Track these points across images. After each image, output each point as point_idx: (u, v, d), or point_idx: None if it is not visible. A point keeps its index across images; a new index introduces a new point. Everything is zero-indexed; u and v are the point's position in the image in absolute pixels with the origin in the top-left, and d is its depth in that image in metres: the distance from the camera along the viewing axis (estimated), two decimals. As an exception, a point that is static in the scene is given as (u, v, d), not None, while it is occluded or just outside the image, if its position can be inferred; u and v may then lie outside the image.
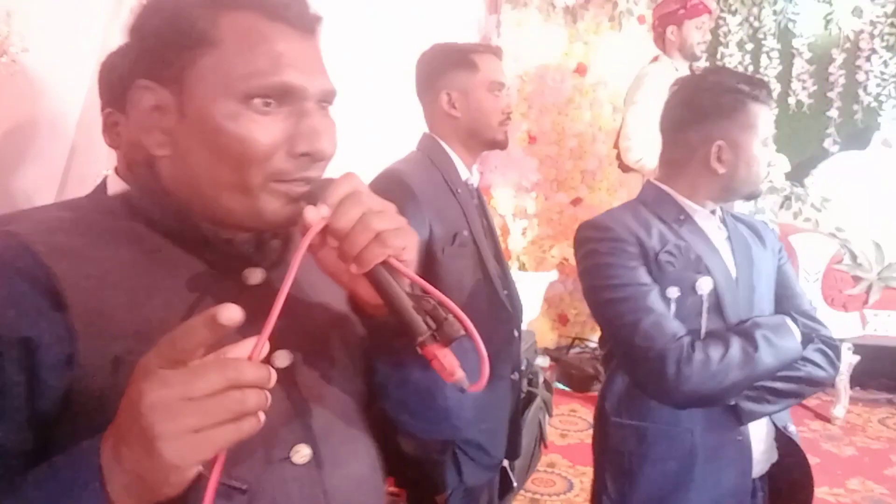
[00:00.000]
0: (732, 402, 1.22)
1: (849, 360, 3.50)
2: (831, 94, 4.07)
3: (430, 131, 1.67)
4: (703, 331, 1.23)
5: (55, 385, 0.57)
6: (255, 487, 0.62)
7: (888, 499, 2.71)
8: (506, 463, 1.73)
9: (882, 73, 3.97)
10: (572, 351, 4.14)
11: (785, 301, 1.35)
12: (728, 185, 1.30)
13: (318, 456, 0.67)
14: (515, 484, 1.90)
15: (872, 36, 3.98)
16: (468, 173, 1.66)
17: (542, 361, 3.74)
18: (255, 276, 0.68)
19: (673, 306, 1.23)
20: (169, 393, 0.47)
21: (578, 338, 4.18)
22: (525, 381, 2.44)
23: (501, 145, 1.68)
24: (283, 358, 0.67)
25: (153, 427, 0.47)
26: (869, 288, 3.44)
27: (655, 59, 3.23)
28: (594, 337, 3.97)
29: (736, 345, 1.18)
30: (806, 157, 3.94)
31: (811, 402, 3.76)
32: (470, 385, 0.60)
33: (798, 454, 1.34)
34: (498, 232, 1.88)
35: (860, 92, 4.03)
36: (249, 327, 0.52)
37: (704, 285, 1.25)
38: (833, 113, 4.07)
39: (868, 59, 4.00)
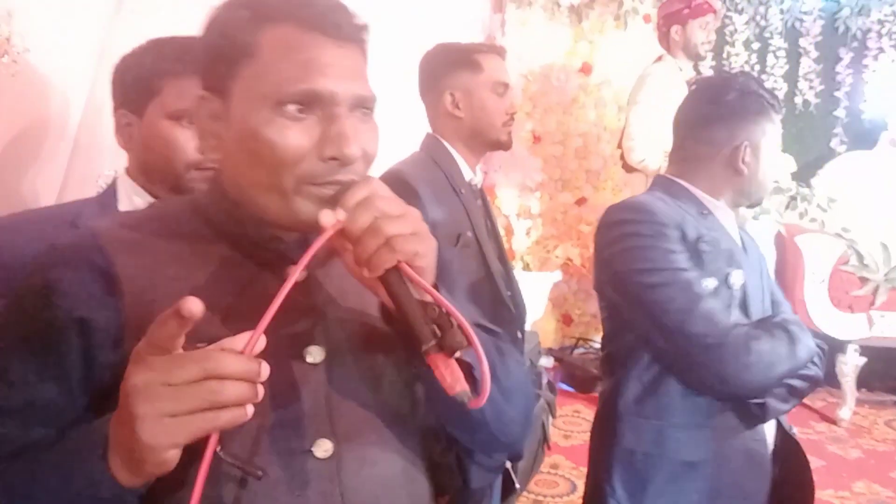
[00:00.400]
0: (762, 399, 1.21)
1: (855, 361, 3.48)
2: (838, 94, 4.04)
3: (434, 131, 1.67)
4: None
5: (105, 362, 0.63)
6: (272, 475, 0.64)
7: (894, 502, 2.69)
8: (508, 464, 1.72)
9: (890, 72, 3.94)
10: (576, 351, 4.13)
11: (775, 307, 1.36)
12: (746, 188, 1.30)
13: (340, 452, 0.68)
14: (518, 485, 1.89)
15: (880, 35, 3.95)
16: (472, 174, 1.65)
17: (546, 362, 3.73)
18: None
19: None
20: (150, 377, 0.52)
21: (582, 338, 4.17)
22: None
23: (505, 146, 1.67)
24: (315, 354, 0.69)
25: (134, 407, 0.52)
26: (876, 289, 3.42)
27: (659, 58, 3.21)
28: (598, 337, 3.96)
29: (782, 337, 1.18)
30: (812, 157, 3.92)
31: (816, 403, 3.74)
32: (471, 400, 0.59)
33: (801, 456, 1.32)
34: (502, 232, 1.87)
35: (867, 91, 4.00)
36: (287, 322, 0.62)
37: (737, 279, 1.23)
38: (840, 112, 4.04)
39: (875, 58, 3.97)
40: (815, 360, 1.28)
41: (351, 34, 0.69)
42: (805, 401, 4.01)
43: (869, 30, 3.96)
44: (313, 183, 0.66)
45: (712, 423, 1.21)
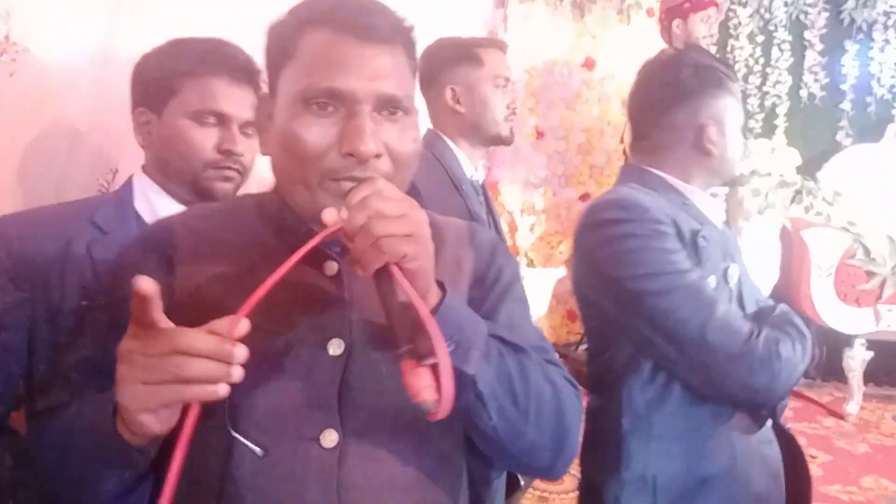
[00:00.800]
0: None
1: (862, 356, 3.46)
2: (844, 87, 4.01)
3: (434, 127, 1.66)
4: None
5: None
6: (274, 457, 0.68)
7: (903, 497, 2.68)
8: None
9: (896, 64, 3.91)
10: (581, 348, 4.12)
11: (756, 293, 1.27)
12: (716, 168, 1.21)
13: (345, 445, 0.69)
14: (523, 482, 1.89)
15: (886, 27, 3.92)
16: (473, 170, 1.64)
17: (551, 358, 3.71)
18: (332, 268, 0.74)
19: None
20: (132, 346, 0.57)
21: (587, 334, 4.15)
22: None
23: (506, 141, 1.66)
24: (336, 346, 0.71)
25: (118, 370, 0.58)
26: (883, 283, 3.39)
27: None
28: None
29: (794, 334, 1.09)
30: (818, 150, 3.90)
31: (824, 398, 3.72)
32: (430, 413, 0.59)
33: (797, 451, 1.25)
34: (506, 228, 1.87)
35: (873, 84, 3.97)
36: (314, 313, 0.70)
37: (734, 273, 1.14)
38: (846, 105, 4.02)
39: (882, 50, 3.94)
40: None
41: (385, 36, 0.71)
42: (812, 396, 4.02)
43: (874, 21, 3.93)
44: (334, 178, 0.69)
45: (724, 431, 1.11)
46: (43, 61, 1.17)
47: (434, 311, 0.65)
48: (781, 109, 4.11)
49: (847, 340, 3.49)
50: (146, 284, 0.55)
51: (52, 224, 1.02)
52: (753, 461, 1.12)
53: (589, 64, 4.13)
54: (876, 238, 3.39)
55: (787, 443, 1.24)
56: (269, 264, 0.70)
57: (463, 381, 0.67)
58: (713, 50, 4.00)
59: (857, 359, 3.46)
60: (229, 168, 1.06)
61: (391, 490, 0.71)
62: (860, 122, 3.99)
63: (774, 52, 4.09)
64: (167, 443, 0.63)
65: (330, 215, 0.63)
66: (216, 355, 0.56)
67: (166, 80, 1.05)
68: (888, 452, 3.07)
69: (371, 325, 0.72)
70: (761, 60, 4.11)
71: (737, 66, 4.15)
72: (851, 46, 3.99)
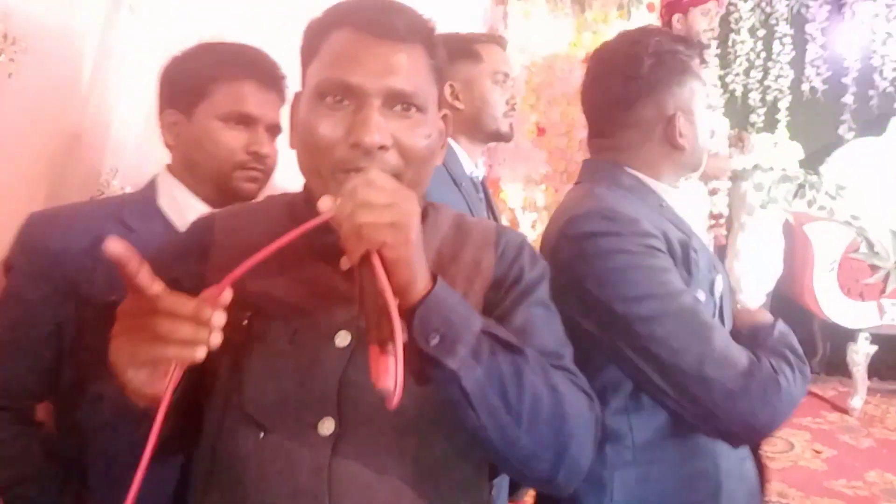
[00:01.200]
0: None
1: (866, 350, 3.45)
2: (846, 80, 4.00)
3: (435, 124, 1.65)
4: None
5: None
6: (273, 439, 0.71)
7: (908, 491, 2.67)
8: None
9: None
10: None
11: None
12: (687, 161, 1.11)
13: (341, 435, 0.71)
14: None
15: (888, 19, 3.91)
16: (473, 166, 1.64)
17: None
18: (346, 263, 0.75)
19: None
20: (125, 306, 0.60)
21: (590, 330, 4.15)
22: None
23: (506, 137, 1.66)
24: (343, 337, 0.74)
25: (112, 328, 0.61)
26: (886, 277, 3.38)
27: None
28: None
29: (794, 361, 0.99)
30: (820, 144, 3.89)
31: (828, 393, 3.71)
32: (386, 400, 0.60)
33: (761, 463, 1.15)
34: (508, 225, 1.86)
35: (876, 77, 3.95)
36: (325, 305, 0.74)
37: (719, 284, 1.05)
38: (848, 99, 4.00)
39: (884, 42, 3.92)
40: None
41: (403, 35, 0.74)
42: (816, 390, 4.01)
43: (876, 14, 3.92)
44: (344, 169, 0.72)
45: (710, 455, 1.01)
46: (42, 62, 1.17)
47: (420, 302, 0.66)
48: (783, 104, 4.10)
49: (851, 335, 3.48)
50: (115, 247, 0.56)
51: (80, 221, 1.05)
52: (735, 482, 1.04)
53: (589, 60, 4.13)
54: (879, 232, 3.38)
55: (755, 454, 1.15)
56: (290, 260, 0.73)
57: (445, 375, 0.66)
58: (714, 45, 3.99)
59: (860, 353, 3.45)
60: (255, 169, 1.10)
61: (384, 486, 0.71)
62: (863, 116, 3.98)
63: (776, 45, 4.07)
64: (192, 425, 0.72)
65: (325, 203, 0.65)
66: (195, 319, 0.58)
67: (197, 82, 1.08)
68: (893, 447, 3.07)
69: None
70: (763, 54, 4.09)
71: (738, 61, 4.14)
72: (853, 40, 3.97)
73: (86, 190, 1.28)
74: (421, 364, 0.67)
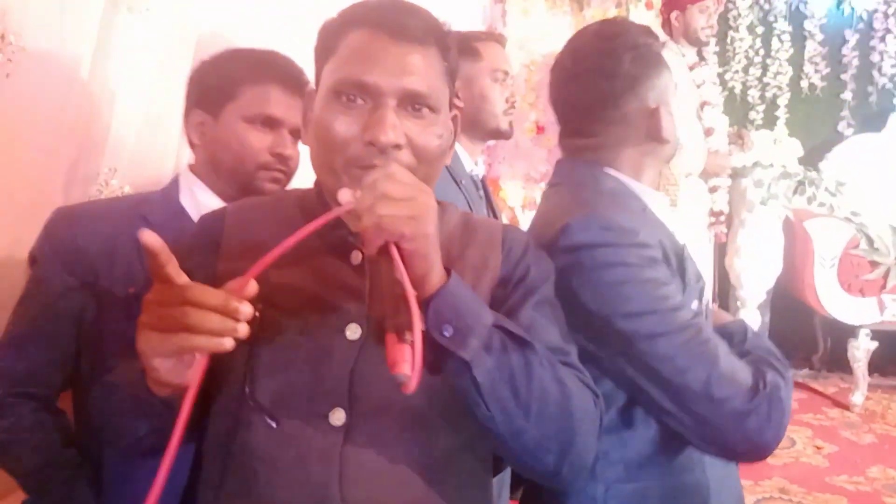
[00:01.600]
0: None
1: (867, 346, 3.45)
2: (845, 77, 4.00)
3: (434, 122, 1.65)
4: None
5: None
6: (285, 429, 0.73)
7: (909, 486, 2.67)
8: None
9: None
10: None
11: None
12: (669, 152, 1.09)
13: (352, 426, 0.72)
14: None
15: (887, 15, 3.91)
16: (472, 164, 1.64)
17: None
18: (357, 257, 0.78)
19: None
20: (152, 297, 0.61)
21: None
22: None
23: (506, 135, 1.65)
24: (353, 331, 0.75)
25: (139, 319, 0.62)
26: (887, 272, 3.38)
27: (662, 45, 3.19)
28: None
29: (781, 369, 0.97)
30: (819, 141, 3.89)
31: (829, 389, 3.72)
32: (402, 385, 0.62)
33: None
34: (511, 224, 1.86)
35: (875, 73, 3.95)
36: (337, 298, 0.75)
37: (707, 294, 1.02)
38: (847, 95, 4.00)
39: (882, 39, 3.92)
40: None
41: (418, 36, 0.76)
42: (817, 387, 4.01)
43: (875, 10, 3.92)
44: (358, 166, 0.73)
45: (699, 469, 0.99)
46: (40, 61, 1.16)
47: (434, 295, 0.68)
48: (782, 100, 4.09)
49: (851, 331, 3.48)
50: (150, 238, 0.57)
51: (103, 217, 1.10)
52: (725, 493, 1.02)
53: (588, 58, 4.13)
54: (879, 228, 3.38)
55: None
56: (303, 254, 0.74)
57: (458, 366, 0.69)
58: (713, 42, 3.99)
59: (861, 349, 3.44)
60: (278, 170, 1.14)
61: (392, 476, 0.73)
62: (862, 112, 3.98)
63: (774, 42, 4.07)
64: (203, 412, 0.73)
65: (344, 195, 0.66)
66: (222, 310, 0.60)
67: (225, 84, 1.12)
68: (894, 442, 3.07)
69: None
70: (761, 51, 4.09)
71: (737, 58, 4.14)
72: (852, 36, 3.97)
73: (85, 189, 1.28)
74: (434, 355, 0.69)
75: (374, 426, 0.73)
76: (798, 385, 3.69)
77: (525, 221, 4.16)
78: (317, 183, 0.83)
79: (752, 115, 4.11)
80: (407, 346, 0.62)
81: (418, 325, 0.62)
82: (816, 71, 4.04)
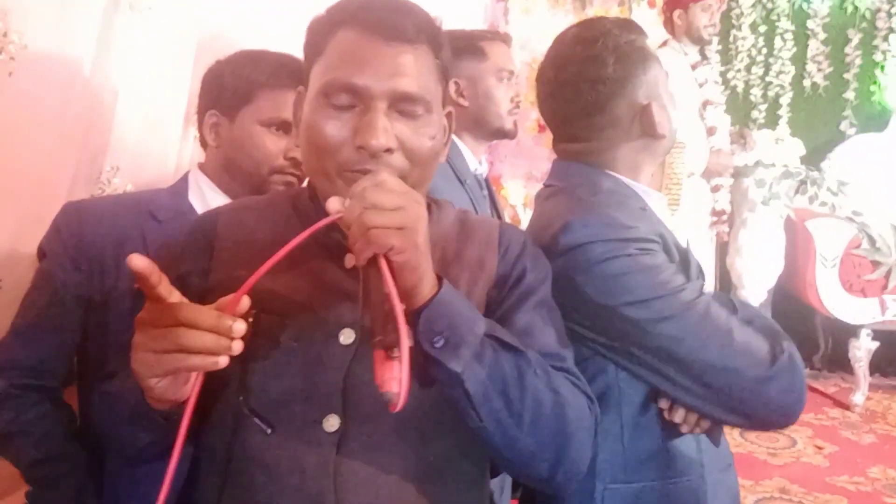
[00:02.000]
0: None
1: (868, 346, 3.45)
2: (847, 76, 3.99)
3: (438, 121, 1.65)
4: None
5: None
6: (280, 435, 0.72)
7: (910, 487, 2.67)
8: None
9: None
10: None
11: None
12: (666, 146, 1.08)
13: (346, 431, 0.71)
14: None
15: (890, 14, 3.90)
16: (477, 164, 1.63)
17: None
18: (351, 260, 0.76)
19: None
20: (145, 317, 0.61)
21: (592, 327, 4.15)
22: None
23: (510, 134, 1.65)
24: (346, 336, 0.74)
25: (134, 338, 0.62)
26: (888, 272, 3.38)
27: (664, 43, 3.18)
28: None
29: (786, 336, 0.98)
30: (822, 140, 3.88)
31: (830, 389, 3.72)
32: (390, 405, 0.61)
33: None
34: (509, 222, 1.85)
35: (877, 73, 3.94)
36: (331, 303, 0.74)
37: (706, 287, 1.04)
38: (850, 94, 3.99)
39: (885, 38, 3.91)
40: None
41: (409, 36, 0.74)
42: (818, 386, 4.01)
43: (878, 9, 3.90)
44: (350, 170, 0.72)
45: (696, 466, 1.00)
46: (42, 60, 1.16)
47: (425, 305, 0.67)
48: (785, 99, 4.09)
49: (853, 331, 3.48)
50: (138, 262, 0.57)
51: (112, 212, 1.10)
52: (722, 493, 1.03)
53: (590, 56, 4.12)
54: (881, 228, 3.37)
55: None
56: (298, 257, 0.72)
57: (449, 377, 0.68)
58: (715, 41, 3.98)
59: (862, 349, 3.44)
60: (291, 174, 1.14)
61: (387, 482, 0.72)
62: (864, 112, 3.97)
63: (777, 41, 4.06)
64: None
65: (334, 204, 0.65)
66: (216, 329, 0.59)
67: (242, 88, 1.13)
68: (894, 442, 3.07)
69: None
70: (764, 50, 4.08)
71: (739, 56, 4.13)
72: (855, 35, 3.96)
73: (88, 187, 1.27)
74: (424, 365, 0.68)
75: (368, 432, 0.72)
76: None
77: (526, 220, 4.15)
78: (310, 183, 0.82)
79: (755, 114, 4.11)
80: (395, 362, 0.61)
81: (406, 343, 0.61)
82: (819, 70, 4.03)
